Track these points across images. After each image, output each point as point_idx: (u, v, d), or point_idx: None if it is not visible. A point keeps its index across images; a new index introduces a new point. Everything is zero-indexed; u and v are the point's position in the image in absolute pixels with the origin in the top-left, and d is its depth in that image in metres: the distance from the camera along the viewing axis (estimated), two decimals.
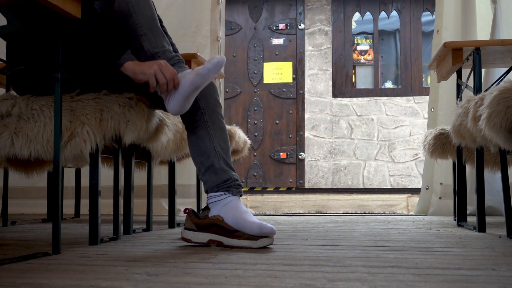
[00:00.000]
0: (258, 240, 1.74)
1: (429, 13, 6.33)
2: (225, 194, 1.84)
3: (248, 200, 5.82)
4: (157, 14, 2.12)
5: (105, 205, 2.57)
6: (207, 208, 1.90)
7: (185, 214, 1.91)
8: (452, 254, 1.61)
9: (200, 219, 1.85)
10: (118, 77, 1.88)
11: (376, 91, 6.36)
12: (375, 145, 6.21)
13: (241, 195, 1.89)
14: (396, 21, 6.49)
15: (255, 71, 6.38)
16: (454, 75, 2.92)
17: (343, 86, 6.37)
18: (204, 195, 3.51)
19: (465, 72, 2.85)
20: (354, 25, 6.56)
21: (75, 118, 1.81)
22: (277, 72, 6.36)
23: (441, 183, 3.70)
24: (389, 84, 6.58)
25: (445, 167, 3.64)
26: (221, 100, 4.14)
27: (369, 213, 5.25)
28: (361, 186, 6.16)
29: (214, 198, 1.86)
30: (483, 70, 3.22)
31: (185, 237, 1.86)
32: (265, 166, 6.27)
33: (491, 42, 2.68)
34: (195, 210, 3.16)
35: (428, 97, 4.01)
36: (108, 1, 1.92)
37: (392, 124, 6.20)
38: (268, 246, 1.79)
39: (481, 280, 1.17)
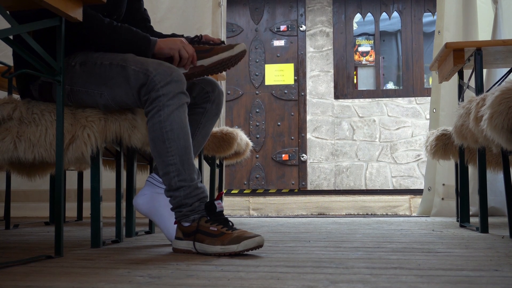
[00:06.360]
0: (241, 243, 1.60)
1: (430, 13, 6.33)
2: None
3: (250, 202, 5.82)
4: (148, 19, 2.16)
5: (108, 208, 2.57)
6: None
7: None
8: (455, 255, 1.61)
9: (187, 227, 1.74)
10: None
11: (377, 92, 6.36)
12: (377, 146, 6.20)
13: None
14: (397, 22, 6.49)
15: (257, 73, 6.38)
16: (456, 76, 2.91)
17: (344, 88, 6.37)
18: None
19: (467, 72, 2.85)
20: (355, 26, 6.56)
21: (75, 121, 1.82)
22: (278, 74, 6.36)
23: (443, 184, 3.69)
24: (390, 85, 6.57)
25: (447, 168, 3.64)
26: (223, 102, 4.13)
27: (371, 215, 5.24)
28: (363, 188, 6.15)
29: (155, 180, 1.90)
30: (484, 71, 3.21)
31: (173, 247, 1.77)
32: (267, 168, 6.26)
33: (493, 43, 2.68)
34: None
35: (429, 98, 4.00)
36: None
37: (394, 125, 6.20)
38: (270, 248, 1.79)
39: (484, 281, 1.17)
